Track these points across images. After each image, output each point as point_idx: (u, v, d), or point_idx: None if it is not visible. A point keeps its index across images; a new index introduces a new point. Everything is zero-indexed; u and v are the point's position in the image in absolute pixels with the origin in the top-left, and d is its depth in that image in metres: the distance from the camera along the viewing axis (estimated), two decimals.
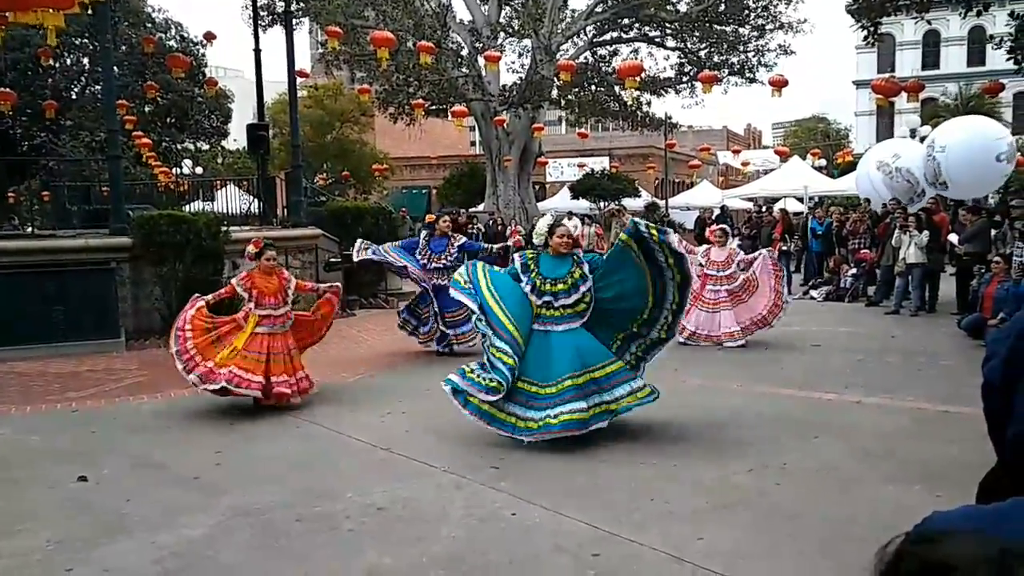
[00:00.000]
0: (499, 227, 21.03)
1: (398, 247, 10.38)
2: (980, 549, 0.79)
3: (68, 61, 30.72)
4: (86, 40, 28.38)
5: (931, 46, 48.71)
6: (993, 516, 0.98)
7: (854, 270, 15.38)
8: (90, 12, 12.29)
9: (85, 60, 30.87)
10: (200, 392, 7.34)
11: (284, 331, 7.58)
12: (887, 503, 4.77)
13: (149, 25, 31.21)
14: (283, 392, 7.36)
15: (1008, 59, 17.27)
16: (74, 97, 31.02)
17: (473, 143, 55.23)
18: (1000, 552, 0.77)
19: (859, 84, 49.36)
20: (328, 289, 8.23)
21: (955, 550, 0.80)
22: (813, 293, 15.72)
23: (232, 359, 7.28)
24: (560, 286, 6.24)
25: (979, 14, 17.38)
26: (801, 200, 28.06)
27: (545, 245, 6.45)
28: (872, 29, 16.71)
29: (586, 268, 6.36)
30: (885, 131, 46.56)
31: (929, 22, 25.79)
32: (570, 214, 12.48)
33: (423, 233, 10.78)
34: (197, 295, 7.72)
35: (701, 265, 10.32)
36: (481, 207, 31.60)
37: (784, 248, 16.99)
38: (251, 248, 7.76)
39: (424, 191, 46.27)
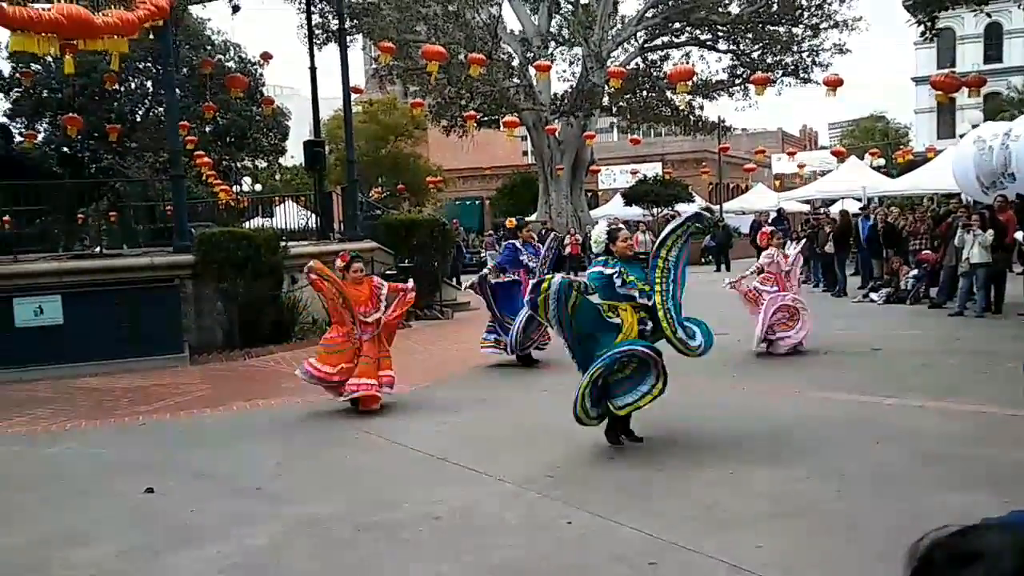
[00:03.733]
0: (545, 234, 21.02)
1: (502, 273, 10.30)
2: (1009, 538, 0.82)
3: (132, 85, 31.71)
4: (149, 64, 29.26)
5: (993, 39, 47.28)
6: None
7: (915, 271, 15.01)
8: (152, 36, 12.67)
9: (148, 83, 31.83)
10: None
11: (376, 336, 7.83)
12: (951, 510, 4.64)
13: (208, 47, 32.05)
14: (371, 395, 7.68)
15: None
16: (138, 120, 32.00)
17: (525, 153, 55.38)
18: None
19: (918, 81, 48.09)
20: (405, 289, 8.29)
21: (986, 539, 0.84)
22: (873, 296, 15.36)
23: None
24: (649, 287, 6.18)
25: None
26: (860, 200, 27.53)
27: (606, 251, 6.28)
28: (929, 24, 16.33)
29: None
30: (946, 128, 45.41)
31: (989, 15, 25.11)
32: (616, 220, 12.40)
33: (508, 243, 10.60)
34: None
35: (772, 274, 10.05)
36: (534, 216, 31.70)
37: (826, 250, 16.73)
38: (338, 262, 8.02)
39: (477, 202, 46.61)
